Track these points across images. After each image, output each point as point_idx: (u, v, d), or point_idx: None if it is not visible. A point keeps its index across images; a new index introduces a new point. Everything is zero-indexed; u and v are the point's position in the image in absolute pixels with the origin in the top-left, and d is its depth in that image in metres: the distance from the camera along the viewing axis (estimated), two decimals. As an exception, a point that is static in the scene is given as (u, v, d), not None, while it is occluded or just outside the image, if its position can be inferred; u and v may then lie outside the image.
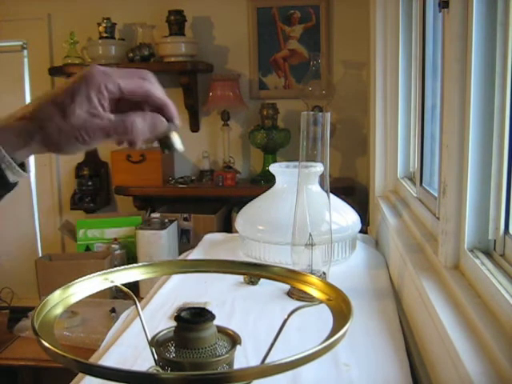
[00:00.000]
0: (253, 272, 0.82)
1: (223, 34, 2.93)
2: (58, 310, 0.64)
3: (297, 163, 1.29)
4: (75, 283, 0.69)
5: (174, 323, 0.63)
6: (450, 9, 0.99)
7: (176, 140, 0.63)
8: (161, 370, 0.60)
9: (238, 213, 1.59)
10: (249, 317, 1.11)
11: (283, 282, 0.76)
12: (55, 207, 3.18)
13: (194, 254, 1.59)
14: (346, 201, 1.56)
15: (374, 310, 1.13)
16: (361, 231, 1.57)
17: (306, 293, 0.72)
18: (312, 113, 1.21)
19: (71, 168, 3.12)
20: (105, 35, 2.79)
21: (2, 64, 3.12)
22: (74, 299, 0.67)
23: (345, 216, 1.46)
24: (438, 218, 1.16)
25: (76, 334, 1.94)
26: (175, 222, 2.68)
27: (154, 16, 2.88)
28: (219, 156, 2.98)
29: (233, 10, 2.89)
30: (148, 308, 1.17)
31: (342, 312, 0.63)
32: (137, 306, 0.71)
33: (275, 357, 0.52)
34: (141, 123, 0.59)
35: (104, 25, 2.78)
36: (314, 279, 0.72)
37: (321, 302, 0.68)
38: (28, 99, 3.13)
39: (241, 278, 1.30)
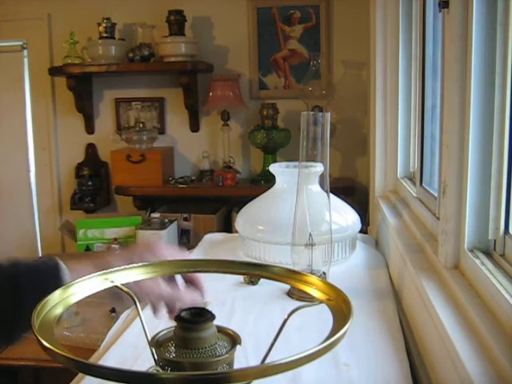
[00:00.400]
0: (253, 272, 0.82)
1: (223, 34, 2.93)
2: (58, 310, 0.64)
3: (297, 163, 1.29)
4: (75, 283, 0.69)
5: (173, 323, 0.63)
6: (449, 9, 0.99)
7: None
8: (161, 370, 0.60)
9: (237, 213, 1.59)
10: (249, 317, 1.11)
11: (283, 281, 0.76)
12: (55, 207, 3.18)
13: (194, 254, 1.59)
14: (346, 201, 1.56)
15: (374, 310, 1.13)
16: (361, 231, 1.57)
17: (306, 293, 0.72)
18: (312, 113, 1.21)
19: (71, 168, 3.12)
20: (105, 35, 2.79)
21: (2, 64, 3.12)
22: (74, 299, 0.67)
23: (345, 216, 1.46)
24: (437, 218, 1.16)
25: (76, 333, 1.94)
26: (175, 222, 2.68)
27: (154, 16, 2.88)
28: (219, 156, 2.98)
29: (233, 10, 2.89)
30: (148, 308, 1.17)
31: (342, 312, 0.62)
32: (137, 306, 0.71)
33: (275, 357, 0.52)
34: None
35: (104, 25, 2.78)
36: (314, 279, 0.72)
37: (321, 302, 0.68)
38: (28, 99, 3.14)
39: (241, 277, 1.30)
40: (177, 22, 2.75)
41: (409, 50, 1.76)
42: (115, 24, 2.83)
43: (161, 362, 0.62)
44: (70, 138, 3.12)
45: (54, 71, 2.87)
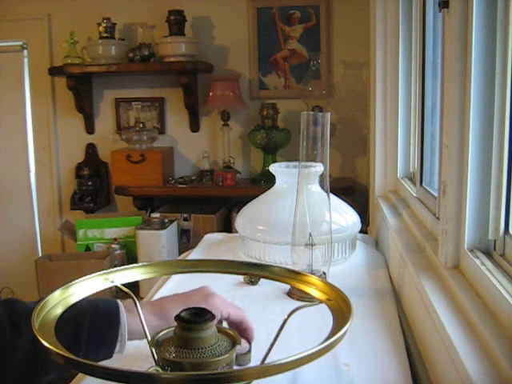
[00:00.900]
0: (253, 272, 0.82)
1: (223, 34, 2.93)
2: (58, 310, 0.64)
3: (297, 163, 1.29)
4: (75, 283, 0.69)
5: (173, 323, 0.63)
6: (449, 9, 0.99)
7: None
8: (161, 370, 0.60)
9: (237, 213, 1.59)
10: (249, 317, 1.11)
11: (283, 281, 0.76)
12: (55, 207, 3.18)
13: (194, 254, 1.59)
14: (345, 201, 1.56)
15: (374, 310, 1.13)
16: (361, 231, 1.57)
17: (306, 293, 0.72)
18: (312, 113, 1.20)
19: (71, 168, 3.12)
20: (105, 35, 2.79)
21: (2, 64, 3.12)
22: (74, 299, 0.67)
23: (345, 216, 1.46)
24: (437, 218, 1.16)
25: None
26: (175, 222, 2.68)
27: (154, 16, 2.88)
28: (219, 156, 2.98)
29: (233, 10, 2.89)
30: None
31: (341, 312, 0.63)
32: (137, 306, 0.71)
33: (275, 357, 0.52)
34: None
35: (104, 25, 2.78)
36: (313, 279, 0.72)
37: (321, 302, 0.68)
38: (28, 99, 3.14)
39: (241, 277, 1.30)
40: (177, 22, 2.75)
41: (409, 50, 1.76)
42: (115, 24, 2.83)
43: (161, 362, 0.62)
44: (70, 138, 3.12)
45: (53, 71, 2.87)
